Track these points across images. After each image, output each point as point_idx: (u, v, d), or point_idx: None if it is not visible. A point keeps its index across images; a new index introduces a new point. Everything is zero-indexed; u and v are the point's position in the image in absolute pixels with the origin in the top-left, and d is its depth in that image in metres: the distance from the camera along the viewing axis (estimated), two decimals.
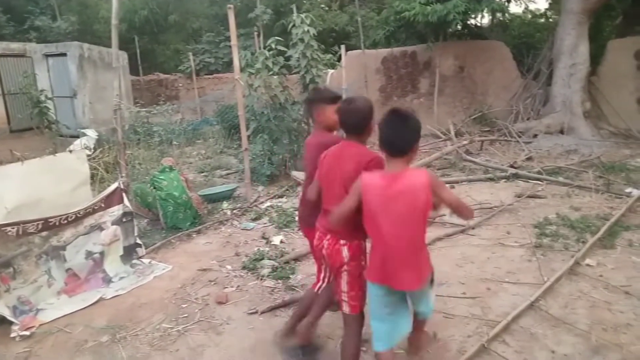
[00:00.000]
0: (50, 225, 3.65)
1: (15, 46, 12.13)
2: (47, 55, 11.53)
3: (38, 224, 3.56)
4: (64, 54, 11.32)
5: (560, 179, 6.49)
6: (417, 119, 2.16)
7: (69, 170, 4.18)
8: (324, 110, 2.75)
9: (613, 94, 9.85)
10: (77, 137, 9.21)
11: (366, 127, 2.38)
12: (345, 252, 2.35)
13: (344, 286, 2.39)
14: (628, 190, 5.77)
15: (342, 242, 2.36)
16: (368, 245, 2.34)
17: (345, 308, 2.40)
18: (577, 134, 9.18)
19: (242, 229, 5.23)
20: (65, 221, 3.75)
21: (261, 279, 3.92)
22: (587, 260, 3.90)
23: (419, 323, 2.52)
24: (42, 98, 9.46)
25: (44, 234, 3.62)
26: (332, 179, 2.39)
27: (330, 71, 10.28)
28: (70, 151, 4.43)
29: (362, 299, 2.40)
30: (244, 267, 4.16)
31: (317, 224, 2.54)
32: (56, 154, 4.30)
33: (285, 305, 3.44)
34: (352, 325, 2.42)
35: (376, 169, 2.22)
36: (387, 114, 2.16)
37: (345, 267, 2.36)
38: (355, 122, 2.37)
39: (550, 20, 14.27)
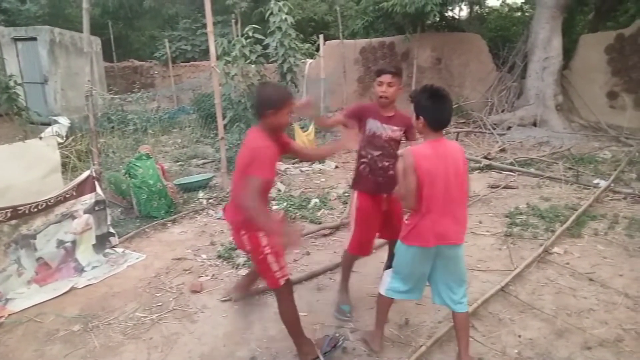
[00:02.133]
0: (20, 214, 3.56)
1: None
2: (15, 39, 11.16)
3: (7, 212, 3.48)
4: (34, 39, 10.98)
5: (532, 170, 6.66)
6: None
7: (39, 157, 4.07)
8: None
9: (584, 88, 10.10)
10: (49, 124, 8.99)
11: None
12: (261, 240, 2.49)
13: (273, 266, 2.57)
14: (596, 181, 5.96)
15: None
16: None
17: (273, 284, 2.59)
18: (549, 127, 9.41)
19: (218, 219, 5.20)
20: (36, 209, 3.67)
21: (236, 268, 3.92)
22: (555, 249, 4.03)
23: None
24: (11, 83, 9.15)
25: (13, 222, 3.54)
26: None
27: (309, 61, 10.25)
28: (41, 138, 4.32)
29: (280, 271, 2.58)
30: (219, 256, 4.15)
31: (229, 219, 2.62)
32: (25, 141, 4.19)
33: (259, 293, 3.45)
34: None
35: None
36: (435, 95, 2.43)
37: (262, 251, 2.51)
38: None
39: (526, 14, 14.49)
